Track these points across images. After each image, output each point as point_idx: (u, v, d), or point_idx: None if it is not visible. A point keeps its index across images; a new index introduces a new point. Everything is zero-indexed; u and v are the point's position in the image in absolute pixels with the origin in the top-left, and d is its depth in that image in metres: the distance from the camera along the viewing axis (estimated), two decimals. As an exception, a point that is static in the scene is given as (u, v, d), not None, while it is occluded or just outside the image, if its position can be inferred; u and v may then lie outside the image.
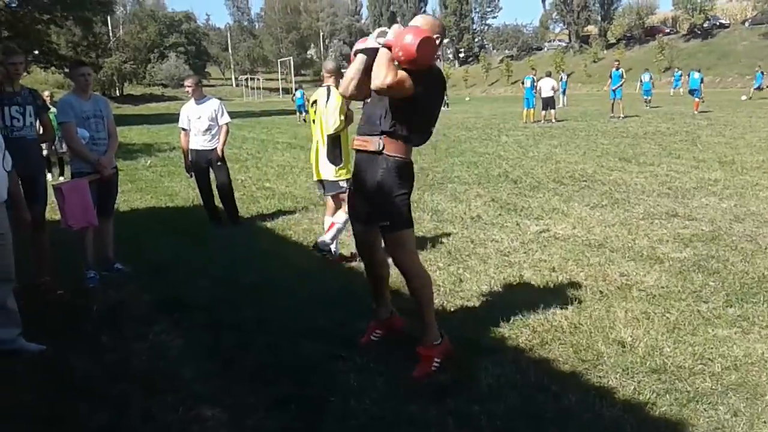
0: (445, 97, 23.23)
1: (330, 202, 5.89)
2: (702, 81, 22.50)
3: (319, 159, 5.71)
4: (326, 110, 5.57)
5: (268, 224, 7.33)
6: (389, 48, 3.20)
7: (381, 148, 3.37)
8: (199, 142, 7.10)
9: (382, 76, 3.18)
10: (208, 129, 7.05)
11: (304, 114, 28.01)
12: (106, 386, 3.49)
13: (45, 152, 8.92)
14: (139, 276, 5.44)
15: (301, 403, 3.14)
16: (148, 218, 8.00)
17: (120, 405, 3.26)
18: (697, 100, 22.26)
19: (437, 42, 3.31)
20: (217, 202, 7.44)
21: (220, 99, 7.46)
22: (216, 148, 7.15)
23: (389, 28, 3.39)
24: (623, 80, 22.37)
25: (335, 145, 5.60)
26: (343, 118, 5.48)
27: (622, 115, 21.22)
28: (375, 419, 2.97)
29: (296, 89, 33.32)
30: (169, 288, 5.08)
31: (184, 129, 7.17)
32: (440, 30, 3.42)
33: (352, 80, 3.51)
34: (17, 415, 3.19)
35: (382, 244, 3.66)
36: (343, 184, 5.56)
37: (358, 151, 3.53)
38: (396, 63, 3.19)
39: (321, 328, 4.07)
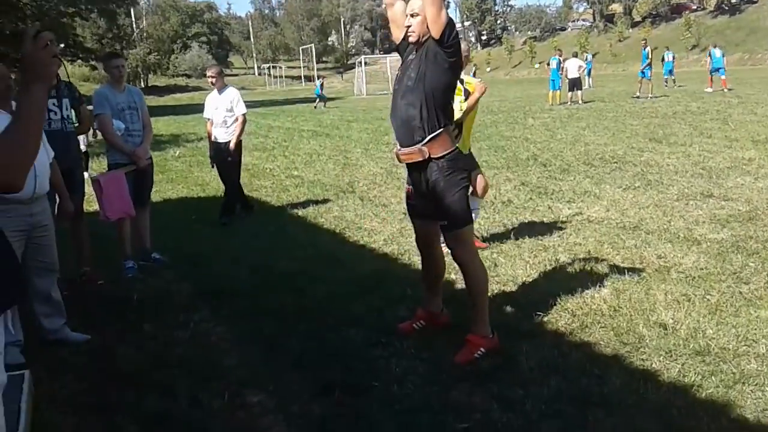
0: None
1: None
2: (724, 56, 22.08)
3: None
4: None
5: (300, 212, 7.37)
6: None
7: (428, 157, 3.35)
8: (219, 133, 7.06)
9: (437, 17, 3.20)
10: (225, 120, 6.98)
11: (317, 102, 28.23)
12: (152, 374, 3.56)
13: (83, 146, 9.02)
14: (176, 265, 5.52)
15: (345, 389, 3.17)
16: (181, 208, 8.10)
17: (167, 392, 3.32)
18: (723, 77, 21.84)
19: None
20: (247, 190, 7.50)
21: (242, 88, 7.51)
22: (223, 142, 7.05)
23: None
24: (650, 59, 22.01)
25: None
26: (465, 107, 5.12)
27: (650, 95, 20.90)
28: (420, 404, 2.99)
29: (318, 78, 33.50)
30: (208, 277, 5.15)
31: (208, 119, 7.16)
32: None
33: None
34: (67, 404, 3.26)
35: (441, 239, 3.67)
36: None
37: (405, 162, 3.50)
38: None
39: (359, 314, 4.10)
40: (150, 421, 3.04)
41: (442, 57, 3.27)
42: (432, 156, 3.35)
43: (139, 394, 3.31)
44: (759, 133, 11.11)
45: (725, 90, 21.11)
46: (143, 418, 3.08)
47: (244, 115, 7.04)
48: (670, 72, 25.80)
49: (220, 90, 7.00)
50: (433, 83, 3.30)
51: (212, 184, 9.58)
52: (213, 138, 7.12)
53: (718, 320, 3.72)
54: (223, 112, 6.93)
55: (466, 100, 5.15)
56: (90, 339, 4.03)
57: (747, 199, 6.58)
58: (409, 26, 3.35)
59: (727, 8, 59.00)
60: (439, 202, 3.39)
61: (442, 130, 3.35)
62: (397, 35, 3.54)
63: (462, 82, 5.00)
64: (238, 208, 7.35)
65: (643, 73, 21.70)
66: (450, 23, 3.24)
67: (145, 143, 5.51)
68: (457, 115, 4.84)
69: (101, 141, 10.68)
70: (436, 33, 3.23)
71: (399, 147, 3.49)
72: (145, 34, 65.37)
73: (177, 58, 69.85)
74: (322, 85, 30.70)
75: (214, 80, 7.00)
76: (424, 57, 3.31)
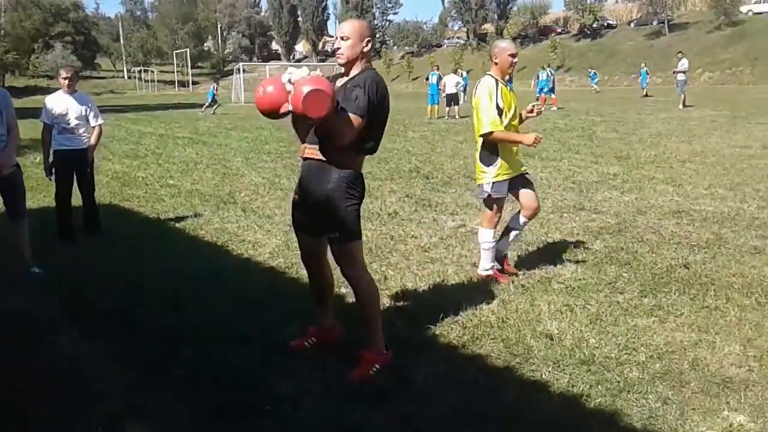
0: None
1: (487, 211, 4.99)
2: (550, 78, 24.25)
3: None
4: (478, 104, 4.72)
5: (178, 224, 7.00)
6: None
7: (338, 162, 3.26)
8: (67, 140, 6.25)
9: (339, 142, 3.17)
10: (76, 127, 6.27)
11: (214, 107, 27.99)
12: (11, 402, 3.19)
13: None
14: (40, 281, 5.05)
15: (236, 414, 2.99)
16: (43, 219, 7.43)
17: (33, 427, 2.99)
18: (553, 96, 23.79)
19: (368, 49, 3.29)
20: (117, 200, 6.99)
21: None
22: (85, 149, 6.35)
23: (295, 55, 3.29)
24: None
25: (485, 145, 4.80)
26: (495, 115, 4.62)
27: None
28: (315, 427, 2.86)
29: (214, 82, 33.20)
30: (76, 293, 4.74)
31: (46, 123, 6.25)
32: (370, 32, 3.34)
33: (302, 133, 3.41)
34: None
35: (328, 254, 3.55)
36: (488, 188, 4.81)
37: (306, 158, 3.38)
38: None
39: (248, 333, 3.89)
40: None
41: None
42: (335, 164, 3.26)
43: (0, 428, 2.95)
44: (621, 150, 11.90)
45: (555, 108, 23.09)
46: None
47: (101, 126, 6.48)
48: (542, 91, 27.13)
49: (72, 93, 6.29)
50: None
51: (77, 194, 8.91)
52: (55, 146, 6.27)
53: (599, 329, 3.86)
54: (73, 118, 6.22)
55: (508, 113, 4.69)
56: None
57: (615, 212, 6.98)
58: (338, 48, 3.29)
59: (588, 32, 63.32)
60: (332, 212, 3.28)
61: (355, 150, 3.29)
62: None
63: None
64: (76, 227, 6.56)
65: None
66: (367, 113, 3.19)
67: (8, 148, 5.02)
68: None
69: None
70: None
71: (309, 144, 3.35)
72: (2, 32, 60.66)
73: (38, 57, 65.34)
74: (216, 89, 29.87)
75: (69, 82, 6.25)
76: (343, 97, 3.21)
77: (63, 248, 6.09)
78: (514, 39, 67.60)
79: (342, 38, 3.27)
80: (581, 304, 4.29)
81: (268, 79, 3.25)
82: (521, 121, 4.99)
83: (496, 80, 4.70)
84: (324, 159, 3.28)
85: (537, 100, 26.93)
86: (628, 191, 8.12)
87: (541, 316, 4.08)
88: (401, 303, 4.44)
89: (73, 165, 6.32)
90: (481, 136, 4.73)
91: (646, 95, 31.50)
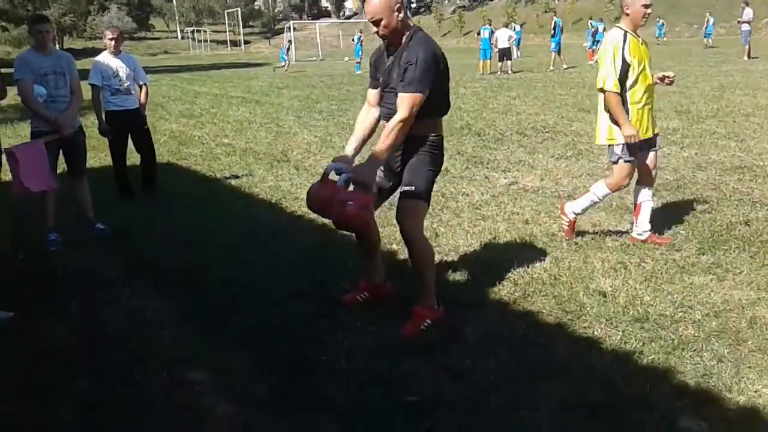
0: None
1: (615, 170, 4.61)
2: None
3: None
4: (600, 58, 4.47)
5: (233, 182, 7.15)
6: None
7: (420, 132, 3.34)
8: (121, 100, 6.37)
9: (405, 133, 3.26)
10: (127, 88, 6.37)
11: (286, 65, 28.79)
12: (83, 353, 3.38)
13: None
14: (103, 238, 5.25)
15: (291, 364, 3.09)
16: (105, 178, 7.67)
17: (100, 372, 3.16)
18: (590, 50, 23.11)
19: (402, 16, 3.26)
20: (175, 159, 7.15)
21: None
22: (137, 108, 6.51)
23: None
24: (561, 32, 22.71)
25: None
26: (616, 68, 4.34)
27: (551, 67, 21.64)
28: (369, 378, 2.94)
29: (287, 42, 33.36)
30: (138, 250, 4.93)
31: (95, 85, 6.35)
32: (394, 2, 3.22)
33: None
34: (-8, 388, 3.06)
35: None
36: (619, 151, 4.49)
37: None
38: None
39: (302, 287, 4.00)
40: (84, 404, 2.88)
41: None
42: (419, 133, 3.35)
43: (70, 375, 3.14)
44: (681, 104, 11.50)
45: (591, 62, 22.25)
46: (77, 400, 2.91)
47: (147, 85, 6.65)
48: (597, 43, 26.44)
49: (117, 54, 6.38)
50: None
51: (135, 154, 9.17)
52: (109, 107, 6.39)
53: (654, 287, 3.82)
54: (124, 78, 6.34)
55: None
56: (13, 317, 3.78)
57: (674, 168, 6.79)
58: (376, 31, 3.29)
59: (647, -18, 60.65)
60: (414, 169, 3.37)
61: (431, 116, 3.36)
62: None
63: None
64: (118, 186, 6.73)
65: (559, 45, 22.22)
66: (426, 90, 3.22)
67: (69, 110, 5.17)
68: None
69: (17, 106, 10.07)
70: None
71: (387, 120, 3.39)
72: (59, -6, 61.81)
73: (95, 20, 66.44)
74: (287, 48, 30.33)
75: (115, 43, 6.33)
76: (400, 76, 3.25)
77: (124, 206, 6.30)
78: (569, -10, 65.47)
79: (374, 22, 3.25)
80: (636, 261, 4.24)
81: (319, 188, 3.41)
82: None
83: (625, 33, 4.36)
84: (408, 133, 3.32)
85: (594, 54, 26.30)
86: (688, 146, 7.88)
87: (594, 274, 4.05)
88: (452, 260, 4.46)
89: (128, 124, 6.48)
90: (598, 90, 4.53)
91: (710, 46, 30.21)
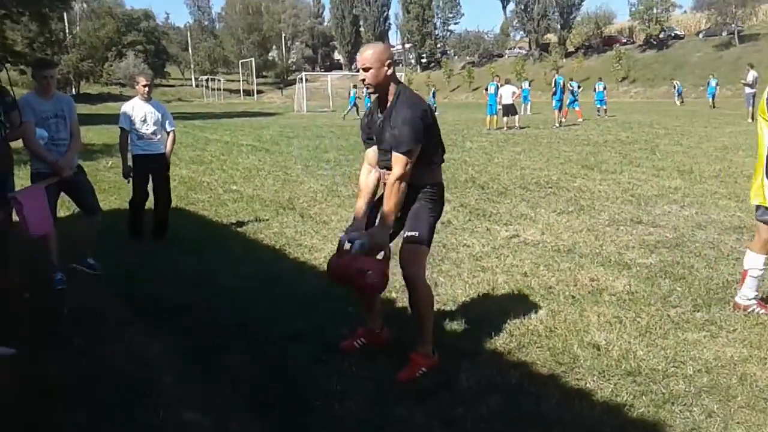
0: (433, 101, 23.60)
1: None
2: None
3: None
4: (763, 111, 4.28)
5: (239, 228, 7.27)
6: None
7: (420, 182, 3.49)
8: (147, 144, 6.53)
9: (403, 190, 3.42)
10: (153, 133, 6.56)
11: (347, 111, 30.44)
12: (83, 389, 3.44)
13: None
14: (109, 279, 5.35)
15: (286, 407, 3.14)
16: (114, 220, 7.83)
17: (99, 408, 3.21)
18: (577, 109, 23.57)
19: (391, 72, 3.47)
20: (183, 204, 7.28)
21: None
22: (163, 153, 6.68)
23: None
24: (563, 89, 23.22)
25: None
26: None
27: (557, 124, 22.04)
28: (361, 423, 2.99)
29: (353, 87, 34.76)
30: (142, 290, 5.02)
31: (123, 129, 6.52)
32: (388, 54, 3.47)
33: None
34: (-9, 421, 3.11)
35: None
36: None
37: None
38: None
39: (301, 331, 4.06)
40: (80, 440, 2.93)
41: None
42: (420, 182, 3.48)
43: (68, 412, 3.18)
44: (684, 164, 11.66)
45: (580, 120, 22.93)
46: (73, 435, 2.96)
47: (173, 131, 6.84)
48: (602, 102, 27.02)
49: (149, 100, 6.60)
50: None
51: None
52: (135, 150, 6.56)
53: (648, 342, 3.86)
54: (151, 123, 6.53)
55: None
56: (15, 353, 3.85)
57: (674, 226, 6.88)
58: (363, 80, 3.46)
59: (655, 43, 61.90)
60: (416, 215, 3.49)
61: (427, 166, 3.50)
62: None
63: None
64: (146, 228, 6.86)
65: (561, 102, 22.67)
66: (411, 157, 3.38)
67: (69, 153, 5.33)
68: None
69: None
70: None
71: (384, 171, 3.54)
72: (78, 40, 63.50)
73: (111, 65, 68.08)
74: (356, 94, 31.57)
75: (147, 89, 6.55)
76: (393, 135, 3.41)
77: (131, 248, 6.41)
78: (577, 49, 66.86)
79: (364, 69, 3.43)
80: (632, 316, 4.29)
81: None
82: None
83: None
84: (409, 183, 3.45)
85: (598, 112, 26.77)
86: (689, 205, 7.98)
87: (589, 327, 4.10)
88: (450, 309, 4.52)
89: (152, 169, 6.62)
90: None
91: (713, 107, 30.67)
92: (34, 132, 5.10)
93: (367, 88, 3.49)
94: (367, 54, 3.42)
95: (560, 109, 22.57)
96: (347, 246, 3.48)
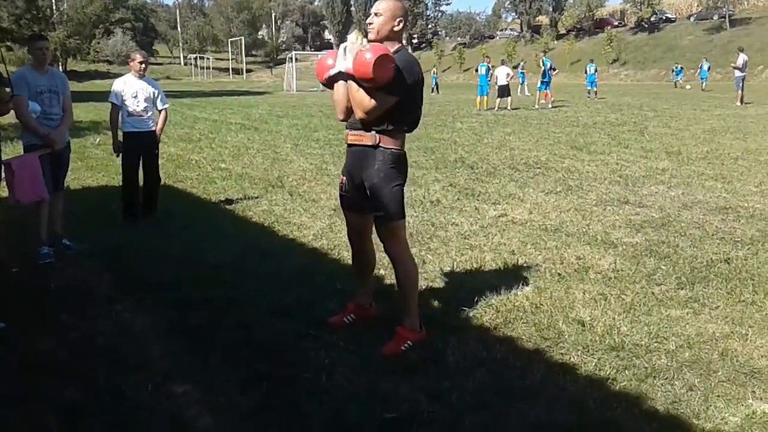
0: (435, 80, 23.85)
1: None
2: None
3: None
4: None
5: (227, 205, 7.26)
6: (352, 76, 3.29)
7: (377, 142, 3.42)
8: (137, 122, 6.43)
9: (359, 109, 3.32)
10: (145, 110, 6.45)
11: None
12: (72, 364, 3.45)
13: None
14: (97, 255, 5.35)
15: (274, 380, 3.17)
16: (102, 197, 7.83)
17: (87, 382, 3.23)
18: (546, 91, 23.40)
19: (399, 29, 3.42)
20: (171, 181, 7.25)
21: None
22: (153, 131, 6.56)
23: (349, 29, 3.47)
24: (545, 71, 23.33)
25: None
26: None
27: (536, 105, 22.28)
28: (348, 395, 3.02)
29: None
30: (130, 267, 5.02)
31: (114, 104, 6.44)
32: (402, 12, 3.46)
33: (342, 105, 3.53)
34: (-22, 394, 3.12)
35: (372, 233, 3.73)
36: None
37: (351, 144, 3.55)
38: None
39: (289, 307, 4.09)
40: (70, 413, 2.95)
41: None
42: (382, 144, 3.42)
43: (58, 385, 3.20)
44: (672, 145, 11.72)
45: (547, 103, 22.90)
46: (63, 409, 2.98)
47: (166, 110, 6.75)
48: (593, 83, 27.06)
49: (142, 77, 6.52)
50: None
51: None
52: (125, 128, 6.46)
53: (632, 318, 3.92)
54: (143, 100, 6.44)
55: None
56: (4, 327, 3.85)
57: (660, 206, 6.94)
58: (370, 23, 3.43)
59: (646, 26, 61.84)
60: (377, 192, 3.44)
61: (396, 130, 3.45)
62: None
63: None
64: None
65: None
66: (381, 107, 3.32)
67: (62, 127, 5.40)
68: None
69: (16, 124, 10.22)
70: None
71: (350, 130, 3.53)
72: (65, 17, 62.58)
73: (99, 43, 67.15)
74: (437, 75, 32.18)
75: (143, 65, 6.47)
76: None
77: (119, 225, 6.39)
78: (569, 31, 66.74)
79: (375, 14, 3.42)
80: (616, 293, 4.34)
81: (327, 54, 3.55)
82: None
83: None
84: (368, 143, 3.43)
85: (588, 93, 26.82)
86: (675, 186, 8.04)
87: (574, 304, 4.15)
88: (438, 286, 4.56)
89: (142, 146, 6.53)
90: None
91: (705, 90, 30.79)
92: (27, 105, 5.10)
93: (369, 32, 3.44)
94: (384, 3, 3.40)
95: (544, 90, 22.70)
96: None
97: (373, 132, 3.42)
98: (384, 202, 3.44)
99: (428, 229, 6.06)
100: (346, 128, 3.58)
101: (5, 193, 5.82)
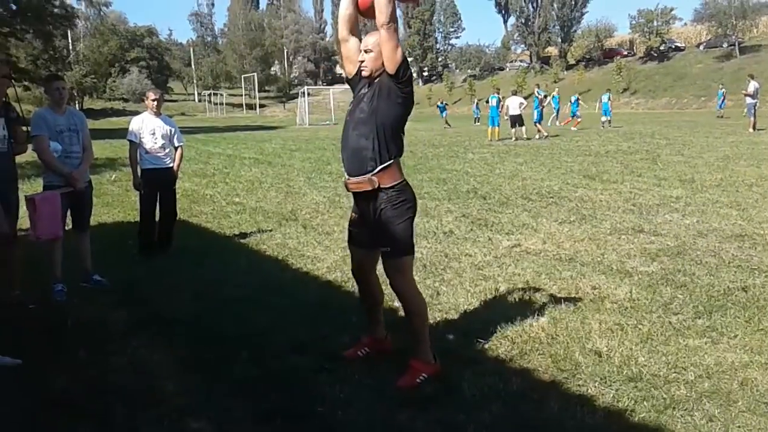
0: (445, 114, 24.04)
1: None
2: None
3: None
4: None
5: (242, 239, 7.31)
6: None
7: (377, 186, 3.42)
8: (155, 159, 6.56)
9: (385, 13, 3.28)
10: (162, 147, 6.58)
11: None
12: (87, 401, 3.45)
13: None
14: (113, 291, 5.39)
15: (288, 415, 3.16)
16: (117, 233, 7.91)
17: (103, 419, 3.23)
18: (578, 119, 23.46)
19: None
20: (186, 216, 7.31)
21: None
22: (171, 167, 6.69)
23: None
24: (541, 101, 23.68)
25: None
26: None
27: (537, 136, 22.29)
28: (364, 429, 3.00)
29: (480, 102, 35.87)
30: (146, 303, 5.04)
31: (132, 142, 6.56)
32: None
33: (346, 17, 3.56)
34: (-4, 431, 3.13)
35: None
36: None
37: (354, 192, 3.55)
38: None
39: (303, 341, 4.08)
40: (85, 449, 2.95)
41: (395, 92, 3.38)
42: (381, 186, 3.42)
43: (73, 421, 3.21)
44: (686, 173, 11.68)
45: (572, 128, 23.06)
46: (78, 446, 2.98)
47: (182, 147, 6.86)
48: (607, 112, 27.19)
49: (158, 115, 6.65)
50: (385, 117, 3.40)
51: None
52: (145, 164, 6.57)
53: (649, 348, 3.87)
54: (160, 137, 6.55)
55: None
56: (20, 364, 3.87)
57: (675, 234, 6.89)
58: (362, 61, 3.46)
59: (656, 55, 62.09)
60: (384, 229, 3.45)
61: (392, 161, 3.44)
62: (350, 70, 3.61)
63: None
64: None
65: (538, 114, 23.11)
66: (405, 60, 3.35)
67: (83, 165, 5.45)
68: None
69: (34, 162, 10.38)
70: (391, 69, 3.33)
71: (348, 177, 3.54)
72: (81, 57, 63.94)
73: (115, 81, 68.50)
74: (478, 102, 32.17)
75: (156, 103, 6.61)
76: (378, 92, 3.41)
77: (134, 260, 6.44)
78: (578, 62, 67.12)
79: (365, 51, 3.44)
80: (633, 323, 4.30)
81: None
82: None
83: None
84: (368, 189, 3.44)
85: (602, 123, 26.87)
86: (690, 214, 8.00)
87: (591, 334, 4.12)
88: (452, 317, 4.54)
89: (160, 183, 6.62)
90: None
91: (720, 117, 30.79)
92: (48, 145, 5.19)
93: (363, 70, 3.46)
94: (373, 39, 3.42)
95: (539, 122, 22.87)
96: None
97: (369, 177, 3.42)
98: (392, 239, 3.45)
99: (442, 260, 6.05)
100: (346, 175, 3.57)
101: (23, 231, 5.90)
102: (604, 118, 27.44)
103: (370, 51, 3.42)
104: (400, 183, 3.49)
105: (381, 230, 3.47)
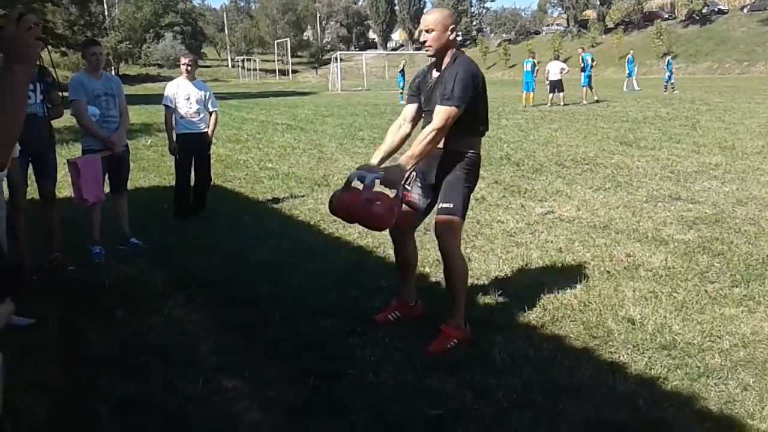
0: None
1: None
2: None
3: None
4: None
5: (274, 204, 7.37)
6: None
7: (459, 147, 3.50)
8: (190, 123, 6.60)
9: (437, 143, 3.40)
10: (197, 112, 6.60)
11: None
12: (125, 359, 3.55)
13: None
14: (149, 253, 5.49)
15: (320, 376, 3.20)
16: (153, 197, 8.02)
17: (140, 377, 3.32)
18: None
19: (453, 37, 3.50)
20: (220, 181, 7.38)
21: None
22: (205, 132, 6.72)
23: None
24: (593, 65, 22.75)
25: None
26: None
27: (584, 102, 21.80)
28: (393, 392, 3.04)
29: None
30: (181, 264, 5.13)
31: (168, 106, 6.61)
32: (452, 19, 3.54)
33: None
34: (39, 388, 3.23)
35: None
36: None
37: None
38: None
39: (335, 304, 4.13)
40: (123, 406, 3.03)
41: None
42: (462, 149, 3.50)
43: (112, 379, 3.30)
44: (726, 140, 11.39)
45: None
46: (116, 403, 3.06)
47: (216, 112, 6.86)
48: (669, 77, 26.48)
49: (192, 80, 6.68)
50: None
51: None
52: (180, 129, 6.61)
53: (684, 317, 3.83)
54: (194, 102, 6.59)
55: None
56: (34, 323, 3.92)
57: (713, 202, 6.75)
58: (425, 41, 3.48)
59: (698, 18, 60.12)
60: (452, 186, 3.49)
61: (473, 135, 3.55)
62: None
63: None
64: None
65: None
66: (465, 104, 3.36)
67: (120, 130, 5.52)
68: None
69: (72, 127, 10.56)
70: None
71: None
72: (117, 22, 64.30)
73: (149, 47, 68.84)
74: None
75: (189, 67, 6.65)
76: (441, 90, 3.42)
77: (170, 224, 6.55)
78: (617, 25, 65.37)
79: (426, 31, 3.45)
80: (668, 291, 4.25)
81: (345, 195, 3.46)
82: None
83: None
84: (446, 147, 3.49)
85: (665, 88, 26.04)
86: (729, 182, 7.81)
87: (624, 302, 4.08)
88: (484, 284, 4.53)
89: (194, 147, 6.69)
90: None
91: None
92: (86, 110, 5.26)
93: (427, 51, 3.51)
94: (432, 17, 3.47)
95: (589, 85, 22.22)
96: (356, 184, 3.44)
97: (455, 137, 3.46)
98: (455, 196, 3.48)
99: (474, 227, 6.02)
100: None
101: (61, 194, 6.03)
102: (666, 83, 26.71)
103: (431, 30, 3.44)
104: (476, 153, 3.58)
105: (448, 186, 3.50)
